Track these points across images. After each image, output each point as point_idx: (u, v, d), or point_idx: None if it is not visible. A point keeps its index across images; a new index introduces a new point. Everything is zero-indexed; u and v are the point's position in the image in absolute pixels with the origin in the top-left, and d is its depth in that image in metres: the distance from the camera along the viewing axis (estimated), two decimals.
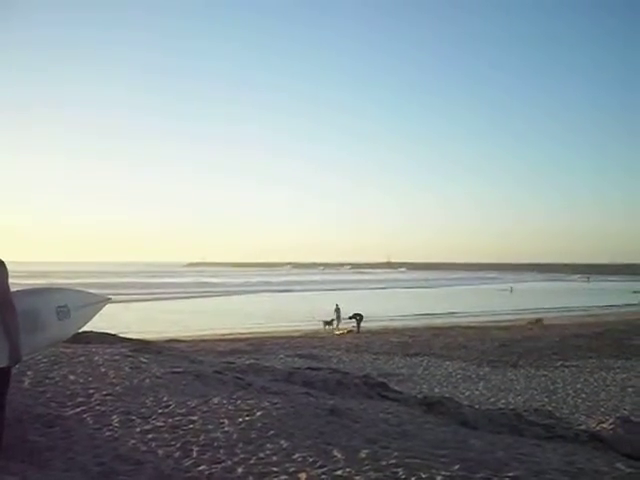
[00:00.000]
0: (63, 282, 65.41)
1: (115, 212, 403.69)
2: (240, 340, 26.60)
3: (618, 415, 9.47)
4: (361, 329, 32.01)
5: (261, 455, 4.60)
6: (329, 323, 33.84)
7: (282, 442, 4.91)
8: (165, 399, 6.25)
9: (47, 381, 6.77)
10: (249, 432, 5.16)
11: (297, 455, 4.59)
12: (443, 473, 4.21)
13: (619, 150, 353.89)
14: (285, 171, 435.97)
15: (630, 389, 16.00)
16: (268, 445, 4.83)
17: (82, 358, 8.27)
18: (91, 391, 6.43)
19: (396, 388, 10.95)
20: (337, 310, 34.82)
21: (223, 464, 4.42)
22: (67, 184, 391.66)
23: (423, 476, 4.15)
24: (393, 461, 4.47)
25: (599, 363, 20.26)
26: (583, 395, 15.28)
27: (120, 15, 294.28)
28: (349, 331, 31.62)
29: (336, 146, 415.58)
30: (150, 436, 5.03)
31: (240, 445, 4.82)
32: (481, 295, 71.27)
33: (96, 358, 8.35)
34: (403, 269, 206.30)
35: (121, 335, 14.59)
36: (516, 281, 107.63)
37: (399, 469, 4.30)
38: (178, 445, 4.81)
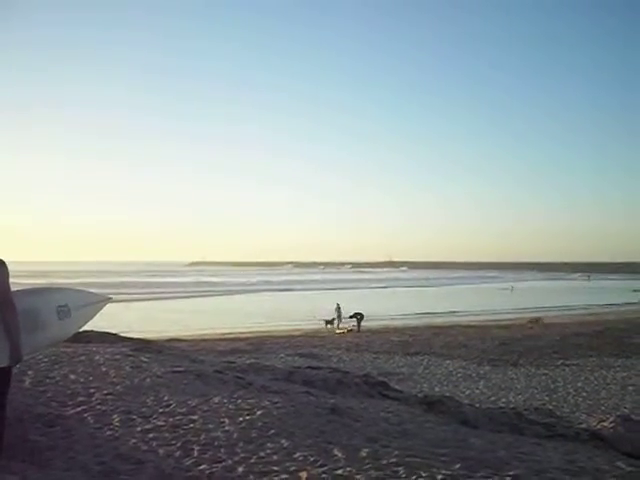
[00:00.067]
0: (63, 282, 65.44)
1: (115, 212, 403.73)
2: (240, 339, 26.61)
3: (619, 414, 9.46)
4: (361, 328, 32.01)
5: (262, 454, 4.60)
6: (330, 322, 33.83)
7: (283, 441, 4.91)
8: (166, 398, 6.25)
9: (48, 380, 6.78)
10: (250, 431, 5.17)
11: (298, 454, 4.59)
12: (444, 472, 4.21)
13: (619, 150, 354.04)
14: (286, 171, 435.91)
15: (630, 388, 16.00)
16: (269, 444, 4.83)
17: (83, 357, 8.28)
18: (92, 390, 6.43)
19: (396, 387, 10.95)
20: (338, 309, 34.82)
21: (224, 463, 4.42)
22: (67, 184, 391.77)
23: (424, 475, 4.15)
24: (394, 460, 4.47)
25: (599, 362, 20.25)
26: (584, 394, 15.28)
27: (120, 15, 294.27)
28: (349, 330, 31.62)
29: (336, 146, 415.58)
30: (151, 435, 5.03)
31: (241, 444, 4.82)
32: (482, 294, 71.27)
33: (97, 357, 8.35)
34: (404, 268, 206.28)
35: (122, 334, 14.59)
36: (516, 280, 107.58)
37: (400, 468, 4.31)
38: (179, 444, 4.81)
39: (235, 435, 5.06)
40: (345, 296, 51.79)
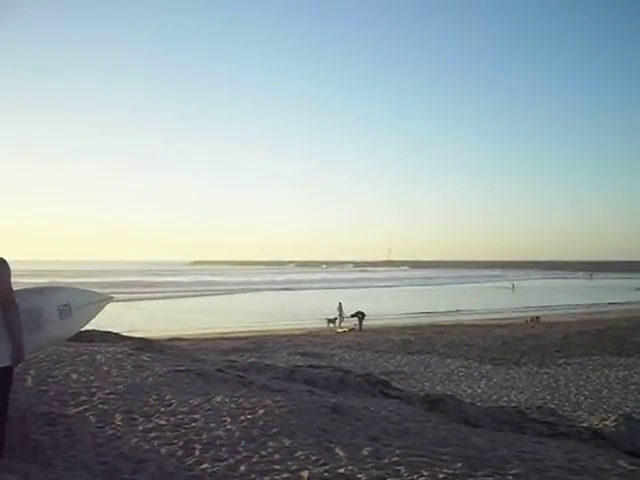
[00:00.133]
0: (65, 281, 65.49)
1: (116, 211, 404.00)
2: (242, 338, 26.62)
3: (620, 412, 9.45)
4: (363, 327, 32.01)
5: (263, 453, 4.60)
6: (332, 321, 33.84)
7: (284, 440, 4.91)
8: (167, 397, 6.26)
9: (50, 380, 6.78)
10: (251, 430, 5.17)
11: (299, 453, 4.59)
12: (445, 471, 4.21)
13: (620, 149, 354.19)
14: (287, 170, 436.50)
15: (632, 386, 15.99)
16: (270, 443, 4.83)
17: (84, 357, 8.28)
18: (94, 390, 6.44)
19: (398, 386, 10.95)
20: (339, 308, 34.83)
21: (225, 462, 4.42)
22: (68, 183, 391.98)
23: (425, 474, 4.15)
24: (395, 459, 4.47)
25: (601, 360, 20.23)
26: (585, 392, 15.27)
27: (120, 14, 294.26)
28: (351, 329, 31.62)
29: (338, 145, 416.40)
30: (153, 434, 5.04)
31: (242, 443, 4.82)
32: (483, 293, 71.23)
33: (98, 357, 8.36)
34: (405, 267, 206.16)
35: (123, 334, 14.58)
36: (518, 278, 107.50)
37: (401, 467, 4.31)
38: (181, 443, 4.81)
39: (237, 434, 5.06)
40: (347, 295, 51.80)
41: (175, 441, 4.88)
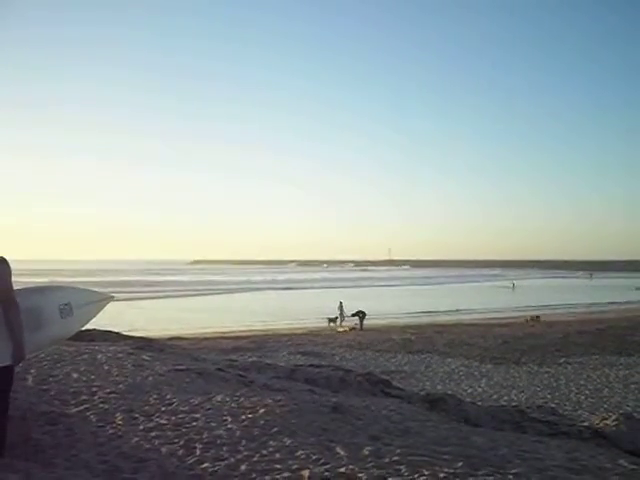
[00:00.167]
0: (66, 280, 65.50)
1: (117, 210, 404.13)
2: (243, 338, 26.63)
3: (621, 412, 9.46)
4: (364, 326, 32.01)
5: (264, 452, 4.60)
6: (333, 320, 33.83)
7: (285, 439, 4.91)
8: (168, 397, 6.26)
9: (50, 379, 6.78)
10: (252, 429, 5.17)
11: (300, 452, 4.59)
12: (446, 470, 4.21)
13: (621, 148, 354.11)
14: (287, 169, 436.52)
15: (633, 386, 15.99)
16: (271, 442, 4.83)
17: (85, 356, 8.29)
18: (94, 389, 6.44)
19: (399, 385, 10.95)
20: (340, 307, 34.83)
21: (226, 461, 4.42)
22: (68, 183, 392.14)
23: (426, 473, 4.15)
24: (396, 458, 4.47)
25: (602, 360, 20.23)
26: (586, 392, 15.27)
27: (120, 14, 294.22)
28: (352, 328, 31.62)
29: (338, 144, 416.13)
30: (153, 434, 5.04)
31: (243, 442, 4.82)
32: (483, 292, 71.21)
33: (99, 356, 8.36)
34: (406, 266, 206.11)
35: (124, 333, 14.58)
36: (518, 278, 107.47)
37: (402, 466, 4.30)
38: (181, 443, 4.81)
39: (237, 433, 5.06)
40: (348, 294, 51.79)
41: (176, 440, 4.88)
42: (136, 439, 4.90)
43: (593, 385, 16.11)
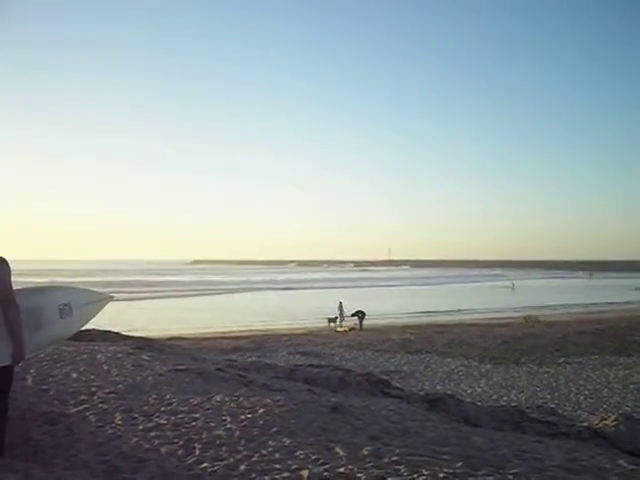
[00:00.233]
0: (65, 280, 65.51)
1: (117, 210, 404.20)
2: (242, 338, 26.62)
3: (620, 412, 9.46)
4: (363, 326, 32.01)
5: (263, 452, 4.60)
6: (333, 320, 33.82)
7: (284, 439, 4.91)
8: (168, 397, 6.26)
9: (50, 379, 6.78)
10: (251, 429, 5.17)
11: (299, 452, 4.59)
12: (445, 470, 4.21)
13: (621, 148, 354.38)
14: (287, 169, 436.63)
15: (632, 386, 15.99)
16: (270, 442, 4.83)
17: (85, 356, 8.29)
18: (94, 389, 6.44)
19: (398, 385, 10.96)
20: (340, 307, 34.83)
21: (226, 461, 4.42)
22: (68, 183, 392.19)
23: (425, 473, 4.15)
24: (395, 458, 4.47)
25: (601, 360, 20.24)
26: (585, 392, 15.28)
27: (120, 14, 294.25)
28: (351, 328, 31.62)
29: (338, 144, 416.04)
30: (153, 434, 5.04)
31: (242, 442, 4.82)
32: (483, 292, 71.22)
33: (99, 356, 8.36)
34: (406, 267, 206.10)
35: (124, 333, 14.57)
36: (518, 278, 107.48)
37: (401, 466, 4.31)
38: (181, 443, 4.81)
39: (237, 433, 5.06)
40: (347, 294, 51.78)
41: (175, 440, 4.88)
42: (135, 439, 4.90)
43: (592, 385, 16.11)
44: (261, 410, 5.75)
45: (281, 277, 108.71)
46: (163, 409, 5.80)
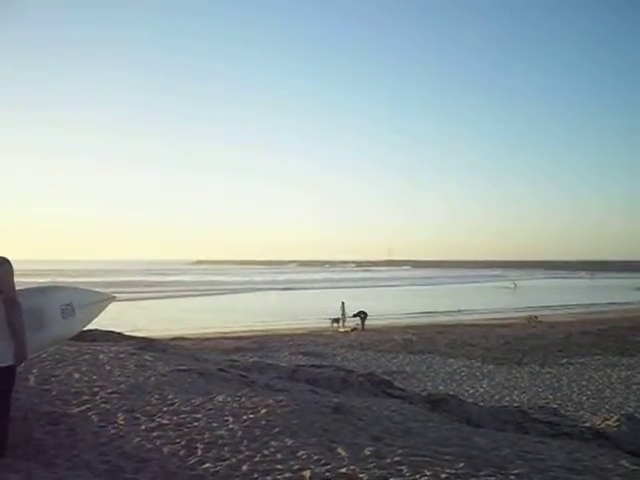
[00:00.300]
0: (67, 280, 65.54)
1: (119, 211, 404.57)
2: (244, 338, 26.63)
3: (623, 412, 9.45)
4: (365, 327, 32.00)
5: (265, 453, 4.60)
6: (336, 321, 33.81)
7: (286, 440, 4.91)
8: (170, 397, 6.26)
9: (52, 379, 6.79)
10: (253, 430, 5.17)
11: (301, 453, 4.59)
12: (447, 471, 4.21)
13: (620, 149, 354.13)
14: (288, 169, 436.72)
15: (635, 386, 15.98)
16: (272, 443, 4.83)
17: (87, 356, 8.29)
18: (96, 389, 6.44)
19: (400, 386, 10.96)
20: (342, 307, 34.82)
21: (228, 462, 4.42)
22: (69, 183, 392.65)
23: (427, 474, 4.15)
24: (397, 459, 4.47)
25: (604, 360, 20.22)
26: (588, 392, 15.27)
27: (120, 13, 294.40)
28: (353, 329, 31.61)
29: (338, 145, 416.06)
30: (155, 434, 5.04)
31: (245, 443, 4.82)
32: (485, 292, 71.17)
33: (101, 356, 8.36)
34: (408, 267, 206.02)
35: (126, 333, 14.59)
36: (520, 278, 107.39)
37: (403, 467, 4.30)
38: (183, 443, 4.81)
39: (239, 433, 5.06)
40: (349, 295, 51.76)
41: (177, 440, 4.88)
42: (138, 439, 4.90)
43: (595, 386, 16.10)
44: (263, 410, 5.75)
45: (282, 277, 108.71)
46: (165, 409, 5.80)
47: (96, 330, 12.07)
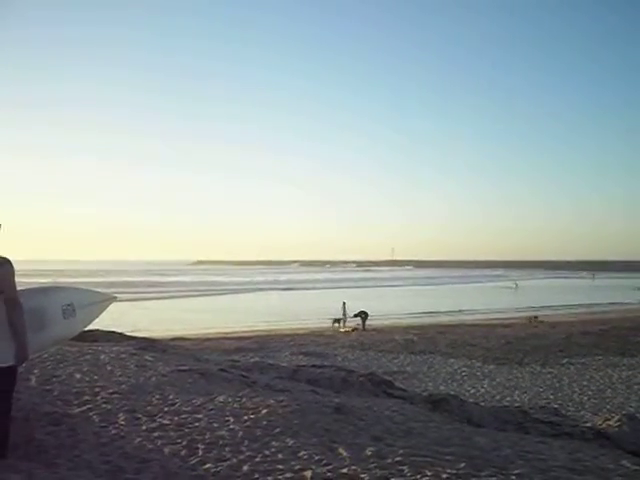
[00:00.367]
0: (68, 280, 65.57)
1: (119, 211, 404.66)
2: (245, 338, 26.64)
3: (624, 412, 9.44)
4: (366, 327, 32.00)
5: (266, 453, 4.60)
6: (338, 321, 33.80)
7: (287, 440, 4.91)
8: (171, 397, 6.26)
9: (53, 379, 6.79)
10: (254, 430, 5.17)
11: (302, 453, 4.59)
12: (448, 471, 4.21)
13: (620, 149, 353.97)
14: (289, 169, 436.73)
15: (636, 386, 15.97)
16: (273, 443, 4.83)
17: (88, 356, 8.29)
18: (97, 389, 6.44)
19: (401, 386, 10.96)
20: (343, 307, 34.82)
21: (229, 462, 4.42)
22: (69, 183, 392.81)
23: (428, 474, 4.15)
24: (398, 459, 4.47)
25: (605, 360, 20.21)
26: (589, 392, 15.26)
27: (120, 14, 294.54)
28: (354, 329, 31.61)
29: (339, 145, 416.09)
30: (156, 434, 5.04)
31: (246, 443, 4.82)
32: (486, 292, 71.14)
33: (102, 356, 8.37)
34: (410, 267, 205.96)
35: (127, 333, 14.60)
36: (521, 278, 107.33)
37: (404, 467, 4.30)
38: (184, 443, 4.82)
39: (240, 434, 5.06)
40: (350, 295, 51.75)
41: (178, 441, 4.88)
42: (139, 439, 4.90)
43: (596, 386, 16.09)
44: (264, 411, 5.75)
45: (283, 277, 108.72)
46: (166, 409, 5.81)
47: (97, 330, 12.08)
